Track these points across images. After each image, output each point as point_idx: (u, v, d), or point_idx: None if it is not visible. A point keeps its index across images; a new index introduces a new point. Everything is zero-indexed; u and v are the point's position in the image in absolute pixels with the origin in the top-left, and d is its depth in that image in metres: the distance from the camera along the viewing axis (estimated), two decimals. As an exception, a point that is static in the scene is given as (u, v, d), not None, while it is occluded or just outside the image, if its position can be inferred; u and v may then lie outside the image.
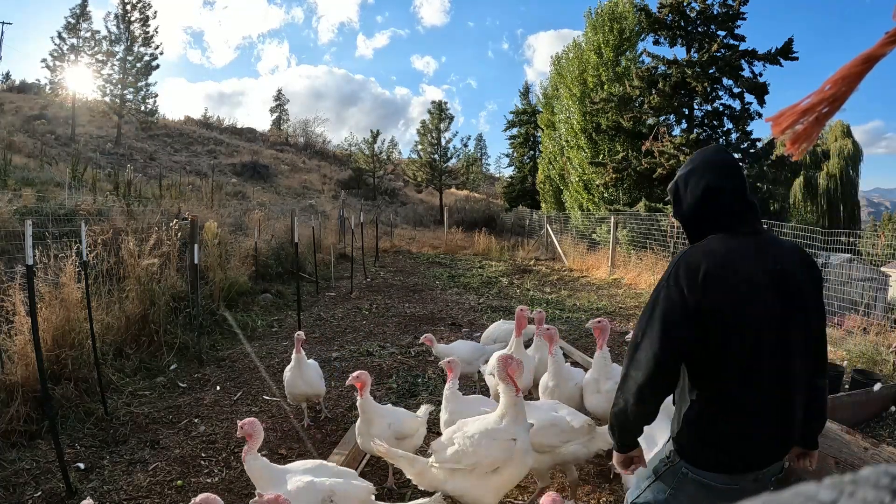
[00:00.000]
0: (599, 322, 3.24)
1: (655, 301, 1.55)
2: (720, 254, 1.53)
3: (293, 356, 3.85)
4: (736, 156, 13.65)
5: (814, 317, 1.59)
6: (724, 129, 13.97)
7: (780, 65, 13.15)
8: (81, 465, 3.35)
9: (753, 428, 1.52)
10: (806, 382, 1.58)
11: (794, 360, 1.52)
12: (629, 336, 3.10)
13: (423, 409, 3.34)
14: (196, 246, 5.63)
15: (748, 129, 13.61)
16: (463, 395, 3.20)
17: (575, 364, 4.89)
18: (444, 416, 3.04)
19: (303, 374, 3.81)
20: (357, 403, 2.99)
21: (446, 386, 3.11)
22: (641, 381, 1.53)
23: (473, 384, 4.60)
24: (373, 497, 2.33)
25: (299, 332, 3.94)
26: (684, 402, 1.60)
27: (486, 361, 4.00)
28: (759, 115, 13.69)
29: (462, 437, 2.37)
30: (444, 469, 2.36)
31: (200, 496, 1.95)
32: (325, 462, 2.47)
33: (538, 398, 3.51)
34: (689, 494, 1.60)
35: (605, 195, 15.29)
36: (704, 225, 1.63)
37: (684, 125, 14.40)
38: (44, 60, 28.46)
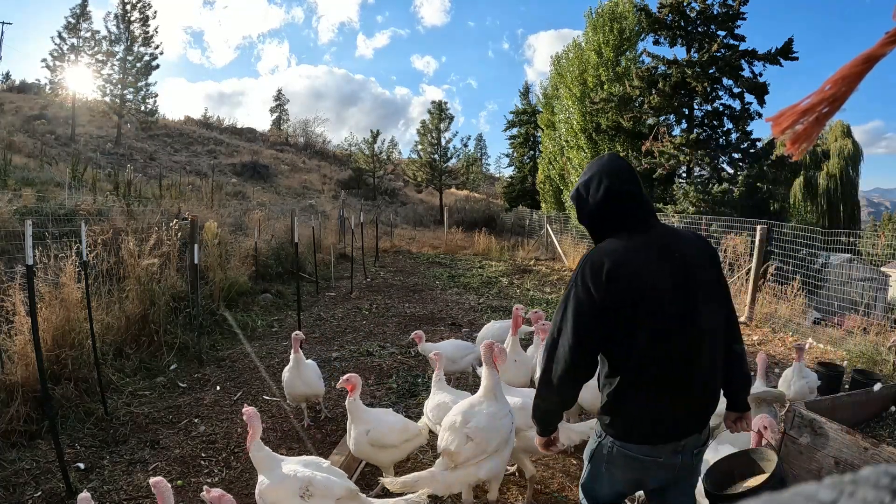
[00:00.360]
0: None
1: (567, 300, 1.69)
2: (620, 252, 1.68)
3: (291, 356, 3.85)
4: (736, 156, 13.87)
5: (717, 290, 1.75)
6: (724, 129, 13.98)
7: (780, 65, 13.16)
8: (81, 465, 3.35)
9: (666, 403, 1.67)
10: (721, 353, 1.74)
11: (702, 338, 1.67)
12: None
13: (424, 421, 3.22)
14: (196, 246, 5.63)
15: (748, 129, 13.64)
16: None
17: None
18: (430, 402, 3.19)
19: (301, 375, 3.81)
20: (346, 405, 2.99)
21: (434, 374, 3.29)
22: (561, 373, 1.69)
23: (469, 385, 4.59)
24: (361, 495, 2.37)
25: (297, 332, 3.94)
26: (604, 384, 1.76)
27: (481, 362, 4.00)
28: (759, 115, 13.73)
29: (474, 430, 2.47)
30: (473, 463, 2.48)
31: (216, 491, 2.01)
32: (321, 460, 2.49)
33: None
34: (620, 468, 1.75)
35: (605, 195, 15.29)
36: (607, 226, 1.77)
37: (684, 125, 14.41)
38: (44, 60, 28.50)
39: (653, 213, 1.79)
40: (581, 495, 1.92)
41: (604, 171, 1.76)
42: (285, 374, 3.89)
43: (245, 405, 2.61)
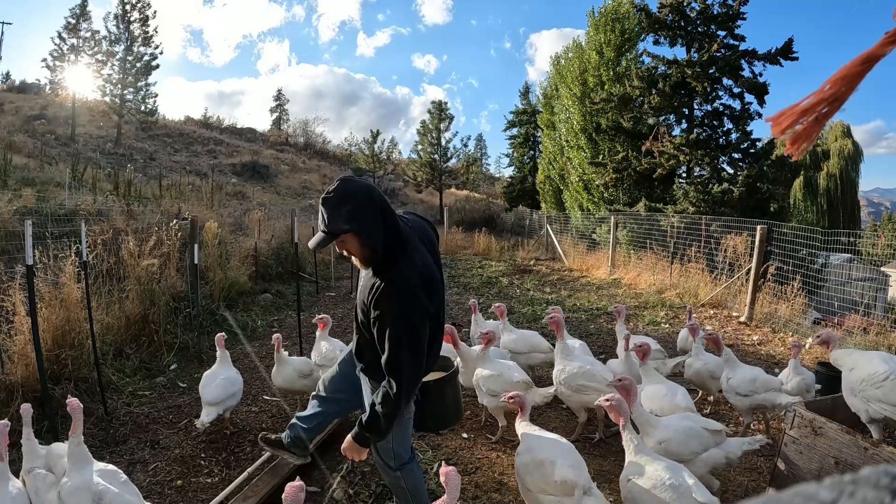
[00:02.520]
0: (552, 317, 3.65)
1: (413, 314, 1.86)
2: (426, 264, 1.94)
3: (275, 355, 3.87)
4: (736, 156, 13.90)
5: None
6: (724, 129, 13.96)
7: (780, 65, 13.14)
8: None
9: (436, 349, 2.19)
10: None
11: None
12: (625, 333, 3.27)
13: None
14: (196, 246, 5.63)
15: (748, 129, 13.60)
16: None
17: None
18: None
19: (280, 371, 3.82)
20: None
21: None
22: (417, 377, 1.95)
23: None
24: None
25: (277, 334, 3.95)
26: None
27: None
28: (759, 115, 13.68)
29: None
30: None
31: (294, 485, 1.88)
32: (119, 473, 2.39)
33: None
34: (409, 409, 2.23)
35: (605, 195, 15.28)
36: (391, 245, 1.90)
37: (684, 125, 14.40)
38: (44, 60, 28.46)
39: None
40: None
41: (363, 195, 1.87)
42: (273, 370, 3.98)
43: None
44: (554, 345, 3.78)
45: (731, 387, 3.60)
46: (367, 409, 2.06)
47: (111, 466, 2.41)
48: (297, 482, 1.90)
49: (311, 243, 1.88)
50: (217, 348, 3.79)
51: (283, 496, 1.87)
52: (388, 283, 1.86)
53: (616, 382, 2.69)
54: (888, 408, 2.46)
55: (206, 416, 3.41)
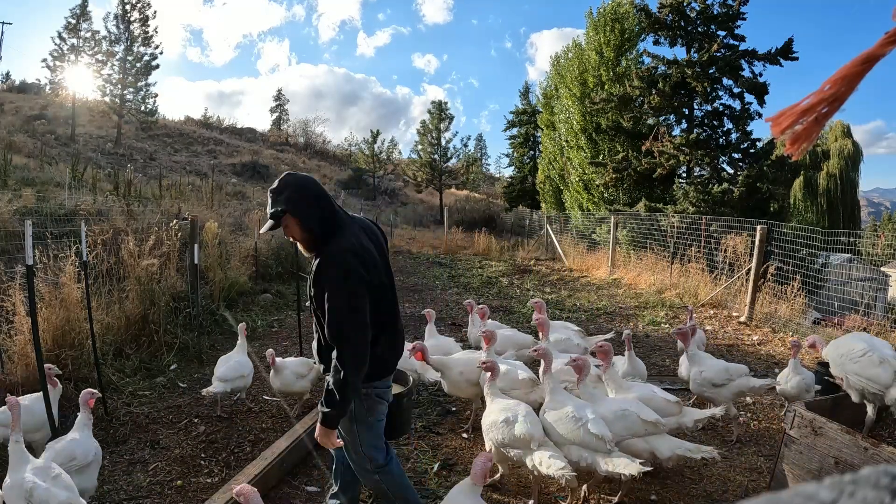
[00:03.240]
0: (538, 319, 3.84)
1: (349, 280, 2.03)
2: (361, 244, 2.12)
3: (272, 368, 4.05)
4: (736, 156, 13.89)
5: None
6: (724, 129, 13.96)
7: (780, 65, 13.14)
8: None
9: (397, 346, 2.36)
10: None
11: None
12: (626, 333, 3.32)
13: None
14: (196, 246, 5.63)
15: (748, 129, 13.60)
16: None
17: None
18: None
19: (277, 377, 4.02)
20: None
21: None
22: (361, 345, 2.06)
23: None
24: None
25: (270, 351, 4.14)
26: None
27: None
28: (759, 115, 13.68)
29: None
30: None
31: (239, 488, 2.05)
32: (54, 467, 2.42)
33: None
34: (375, 411, 2.30)
35: (605, 195, 15.28)
36: (327, 226, 2.13)
37: (684, 125, 14.40)
38: (44, 60, 28.50)
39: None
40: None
41: (301, 184, 2.14)
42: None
43: (87, 393, 2.90)
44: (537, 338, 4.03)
45: (707, 379, 3.65)
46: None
47: (41, 462, 2.46)
48: (251, 487, 2.10)
49: (262, 230, 2.20)
50: (239, 336, 4.23)
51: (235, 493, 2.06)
52: (324, 258, 2.08)
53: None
54: (863, 381, 2.67)
55: (213, 388, 3.87)
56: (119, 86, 27.31)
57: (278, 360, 4.05)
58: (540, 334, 4.00)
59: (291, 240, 2.21)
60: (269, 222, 2.14)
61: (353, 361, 2.03)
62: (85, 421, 2.86)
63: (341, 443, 2.30)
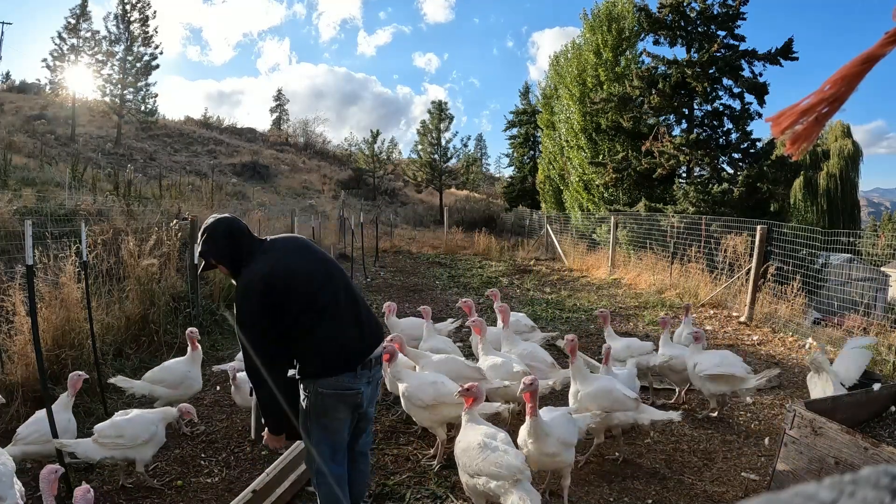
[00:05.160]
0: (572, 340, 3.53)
1: (246, 305, 2.23)
2: (271, 268, 2.26)
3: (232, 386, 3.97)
4: (736, 156, 13.86)
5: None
6: (724, 129, 13.96)
7: (780, 65, 13.14)
8: (82, 465, 3.35)
9: (344, 342, 2.34)
10: None
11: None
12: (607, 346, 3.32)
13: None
14: (196, 246, 5.63)
15: (748, 129, 13.60)
16: None
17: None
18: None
19: (238, 392, 3.91)
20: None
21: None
22: (256, 357, 2.23)
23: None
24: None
25: (231, 364, 4.09)
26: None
27: None
28: (759, 115, 13.68)
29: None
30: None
31: None
32: None
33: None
34: (329, 410, 2.32)
35: (605, 195, 15.28)
36: (236, 260, 2.35)
37: (684, 125, 14.40)
38: (44, 60, 28.50)
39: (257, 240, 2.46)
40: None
41: (218, 226, 2.39)
42: None
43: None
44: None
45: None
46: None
47: None
48: (85, 486, 2.22)
49: (199, 270, 2.59)
50: (189, 344, 3.99)
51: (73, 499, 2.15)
52: (237, 286, 2.36)
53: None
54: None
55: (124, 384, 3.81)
56: (119, 86, 27.29)
57: (240, 375, 3.73)
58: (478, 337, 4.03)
59: (223, 272, 2.47)
60: (201, 262, 2.48)
61: (254, 378, 2.26)
62: (65, 401, 3.12)
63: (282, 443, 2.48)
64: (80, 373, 3.22)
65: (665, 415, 3.34)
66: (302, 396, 2.36)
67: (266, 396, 2.27)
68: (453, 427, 3.35)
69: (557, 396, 4.03)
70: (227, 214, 2.50)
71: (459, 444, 2.61)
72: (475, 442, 2.51)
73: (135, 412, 3.14)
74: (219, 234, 2.36)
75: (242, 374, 3.82)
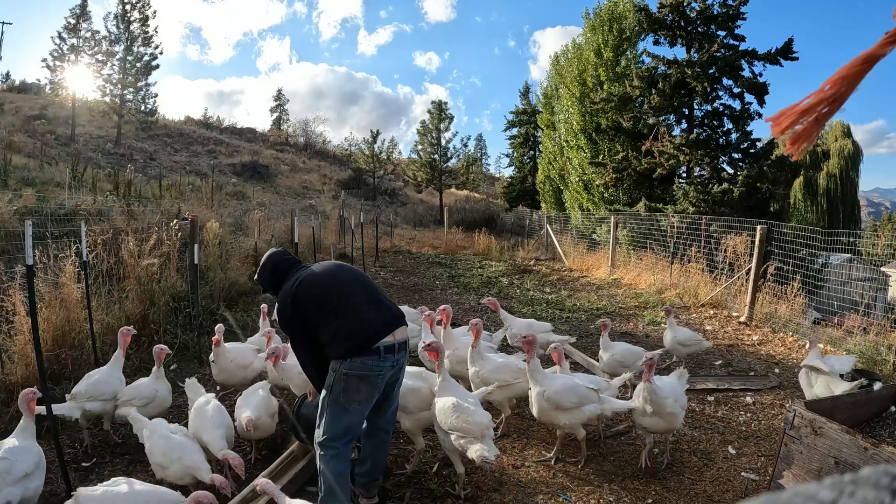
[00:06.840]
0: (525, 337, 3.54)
1: (284, 319, 2.71)
2: (297, 286, 2.70)
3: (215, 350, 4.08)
4: (736, 156, 13.86)
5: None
6: (724, 129, 13.96)
7: (780, 65, 13.14)
8: (83, 465, 3.35)
9: (368, 324, 2.67)
10: None
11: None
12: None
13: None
14: (196, 246, 5.63)
15: (748, 129, 13.60)
16: None
17: (575, 365, 4.93)
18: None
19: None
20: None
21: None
22: (301, 358, 2.86)
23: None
24: None
25: (220, 326, 4.18)
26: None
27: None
28: (759, 115, 13.68)
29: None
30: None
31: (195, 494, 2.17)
32: None
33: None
34: (350, 392, 2.57)
35: (605, 195, 15.28)
36: (275, 284, 2.85)
37: (684, 125, 14.40)
38: (44, 60, 28.47)
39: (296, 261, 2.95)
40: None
41: (269, 262, 2.93)
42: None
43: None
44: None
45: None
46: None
47: None
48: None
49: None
50: (156, 360, 3.64)
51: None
52: (277, 301, 2.79)
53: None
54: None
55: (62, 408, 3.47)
56: (119, 86, 27.27)
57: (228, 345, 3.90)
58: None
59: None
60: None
61: (301, 361, 2.83)
62: (26, 425, 2.71)
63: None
64: (162, 346, 3.60)
65: (626, 404, 3.41)
66: (329, 377, 2.67)
67: (312, 376, 2.83)
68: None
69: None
70: (275, 250, 2.99)
71: (436, 405, 3.02)
72: (450, 403, 2.92)
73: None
74: (265, 269, 2.91)
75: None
